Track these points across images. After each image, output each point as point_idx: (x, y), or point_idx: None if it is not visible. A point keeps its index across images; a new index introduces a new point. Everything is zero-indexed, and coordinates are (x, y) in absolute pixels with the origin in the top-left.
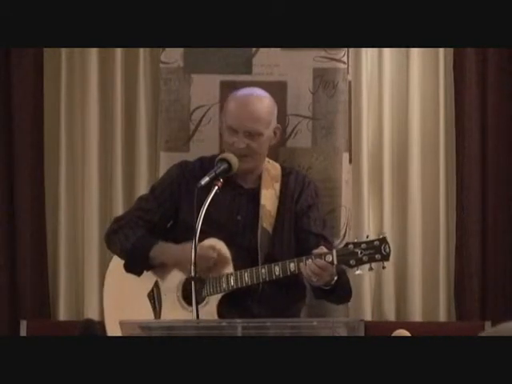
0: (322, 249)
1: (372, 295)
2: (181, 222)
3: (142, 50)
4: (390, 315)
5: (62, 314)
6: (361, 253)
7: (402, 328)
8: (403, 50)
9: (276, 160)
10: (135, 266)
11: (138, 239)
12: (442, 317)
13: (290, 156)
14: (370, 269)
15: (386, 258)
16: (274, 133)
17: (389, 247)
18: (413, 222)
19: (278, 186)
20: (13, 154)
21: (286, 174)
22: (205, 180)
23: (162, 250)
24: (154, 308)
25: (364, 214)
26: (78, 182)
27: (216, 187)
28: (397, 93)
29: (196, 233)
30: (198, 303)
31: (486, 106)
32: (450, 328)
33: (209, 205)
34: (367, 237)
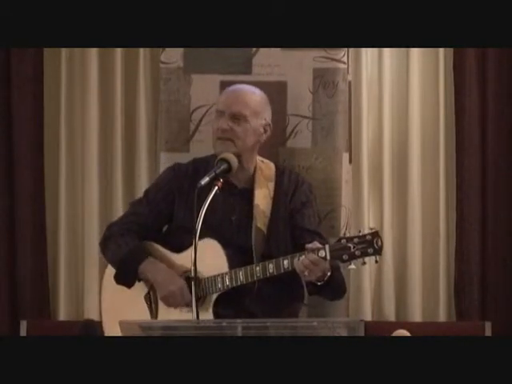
0: (316, 244)
1: (372, 295)
2: (176, 224)
3: (142, 50)
4: (390, 315)
5: (62, 314)
6: (353, 247)
7: (402, 328)
8: (403, 49)
9: (276, 160)
10: (125, 279)
11: (129, 251)
12: (442, 317)
13: (290, 156)
14: (363, 263)
15: (378, 252)
16: (264, 129)
17: (381, 241)
18: (413, 222)
19: (271, 185)
20: (13, 154)
21: (279, 174)
22: (205, 180)
23: (151, 268)
24: (151, 310)
25: (364, 214)
26: (78, 181)
27: (216, 187)
28: (397, 93)
29: (196, 233)
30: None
31: (486, 105)
32: (450, 328)
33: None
34: (359, 231)
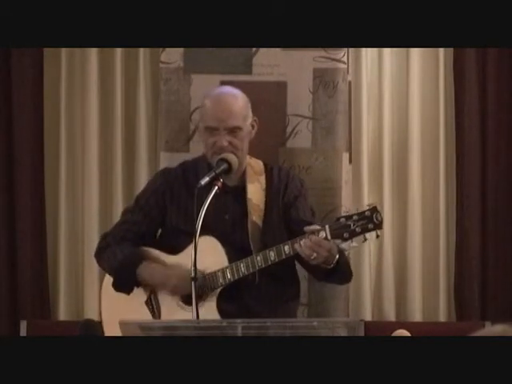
0: (314, 226)
1: (372, 295)
2: (169, 228)
3: (142, 49)
4: (390, 315)
5: (62, 314)
6: (353, 225)
7: (402, 328)
8: (403, 49)
9: (276, 160)
10: (123, 286)
11: (124, 258)
12: (442, 317)
13: (290, 156)
14: (364, 240)
15: (378, 226)
16: (252, 126)
17: (380, 215)
18: (413, 222)
19: (262, 179)
20: (13, 154)
21: (269, 169)
22: (205, 180)
23: (147, 271)
24: (154, 314)
25: None
26: (78, 181)
27: (216, 187)
28: (397, 93)
29: (196, 233)
30: (197, 302)
31: (485, 105)
32: (450, 328)
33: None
34: (357, 209)
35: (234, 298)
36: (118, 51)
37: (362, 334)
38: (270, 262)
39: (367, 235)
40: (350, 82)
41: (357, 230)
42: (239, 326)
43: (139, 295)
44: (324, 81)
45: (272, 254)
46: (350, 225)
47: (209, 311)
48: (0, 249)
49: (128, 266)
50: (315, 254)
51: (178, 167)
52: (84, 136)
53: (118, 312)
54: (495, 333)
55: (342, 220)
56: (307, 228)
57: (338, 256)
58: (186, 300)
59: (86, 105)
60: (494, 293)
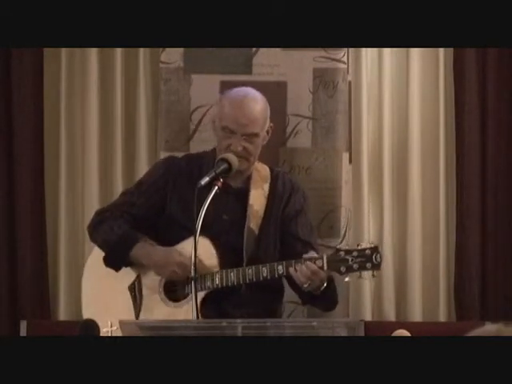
0: (313, 253)
1: (372, 295)
2: (166, 217)
3: (142, 49)
4: (390, 315)
5: (62, 314)
6: (351, 260)
7: (402, 328)
8: (403, 49)
9: (276, 160)
10: (115, 261)
11: (123, 233)
12: (442, 317)
13: (290, 156)
14: (360, 277)
15: (376, 267)
16: (267, 131)
17: (380, 256)
18: (413, 222)
19: (266, 186)
20: (13, 154)
21: (274, 176)
22: (205, 180)
23: (143, 251)
24: (135, 301)
25: (364, 214)
26: (78, 181)
27: (216, 187)
28: (397, 93)
29: (196, 233)
30: (180, 300)
31: (485, 105)
32: (450, 328)
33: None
34: (358, 245)
35: (217, 302)
36: (118, 51)
37: (362, 334)
38: (261, 278)
39: (364, 273)
40: (350, 82)
41: (354, 266)
42: (239, 326)
43: (124, 278)
44: (324, 81)
45: (264, 271)
46: (348, 259)
47: (190, 312)
48: (0, 249)
49: (123, 245)
50: (309, 282)
51: (182, 159)
52: (84, 136)
53: (100, 292)
54: (489, 332)
55: (341, 253)
56: (305, 255)
57: (326, 284)
58: (170, 295)
59: (86, 105)
60: (493, 293)
